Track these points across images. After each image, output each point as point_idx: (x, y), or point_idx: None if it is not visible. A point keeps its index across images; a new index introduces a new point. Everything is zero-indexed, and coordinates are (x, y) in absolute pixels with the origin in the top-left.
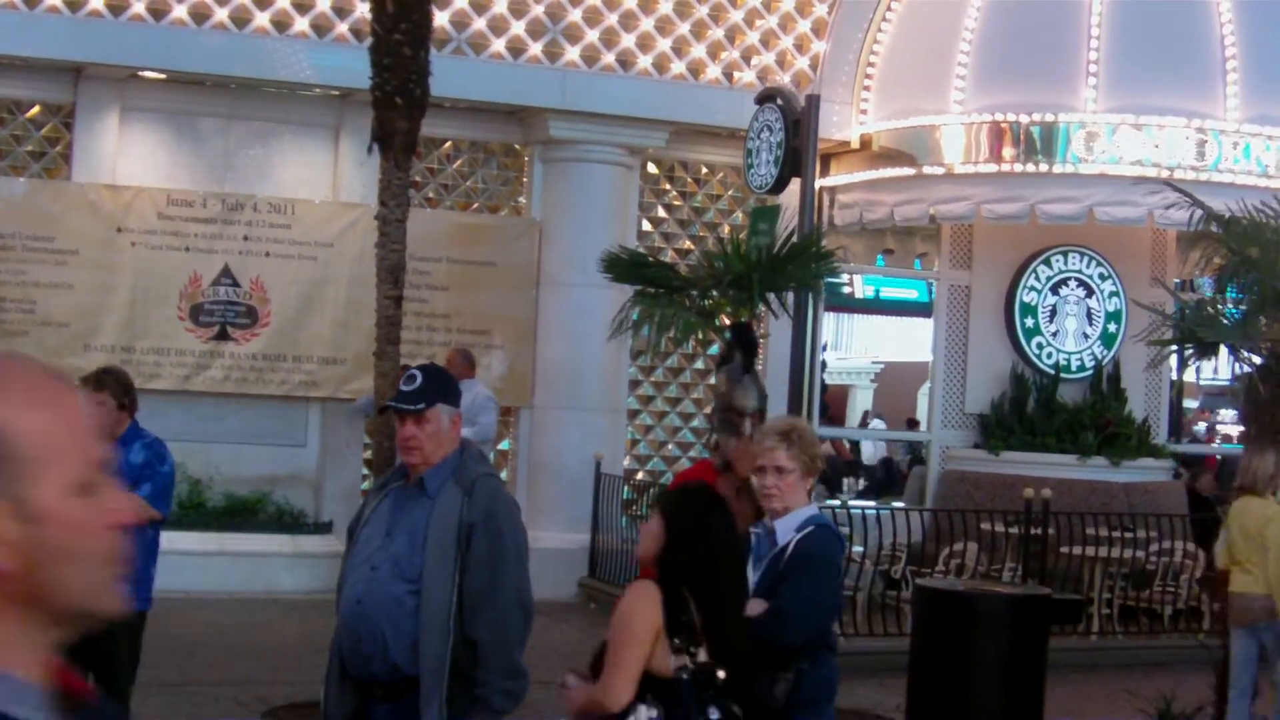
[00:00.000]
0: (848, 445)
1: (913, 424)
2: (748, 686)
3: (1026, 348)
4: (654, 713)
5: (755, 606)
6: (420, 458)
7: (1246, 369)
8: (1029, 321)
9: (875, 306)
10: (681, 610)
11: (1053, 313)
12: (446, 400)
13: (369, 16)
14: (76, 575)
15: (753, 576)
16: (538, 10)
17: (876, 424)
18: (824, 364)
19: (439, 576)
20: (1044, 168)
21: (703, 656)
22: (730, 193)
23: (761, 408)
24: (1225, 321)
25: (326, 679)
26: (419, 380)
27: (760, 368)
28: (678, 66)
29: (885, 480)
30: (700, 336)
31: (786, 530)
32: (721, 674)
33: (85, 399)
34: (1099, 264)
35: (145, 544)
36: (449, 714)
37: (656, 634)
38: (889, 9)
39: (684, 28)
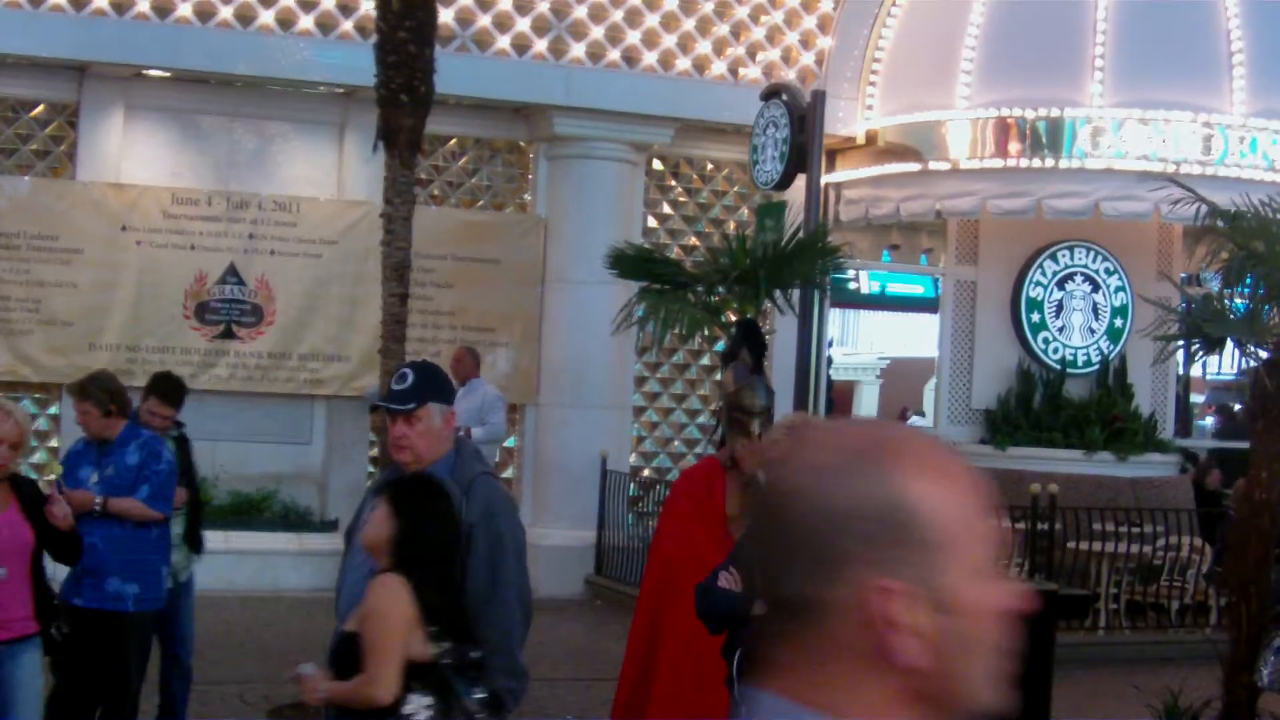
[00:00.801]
0: None
1: (904, 415)
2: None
3: (1033, 343)
4: (427, 700)
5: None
6: (411, 456)
7: (1253, 363)
8: (1035, 317)
9: (881, 302)
10: (427, 597)
11: (1059, 308)
12: (438, 398)
13: (374, 14)
14: (975, 667)
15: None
16: (542, 7)
17: (915, 420)
18: (830, 360)
19: None
20: (1050, 163)
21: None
22: (736, 189)
23: (769, 406)
24: (1232, 316)
25: None
26: (410, 379)
27: (766, 364)
28: (683, 63)
29: None
30: (706, 333)
31: None
32: (476, 654)
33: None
34: (1105, 259)
35: (152, 543)
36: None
37: (411, 623)
38: (894, 4)
39: (689, 24)
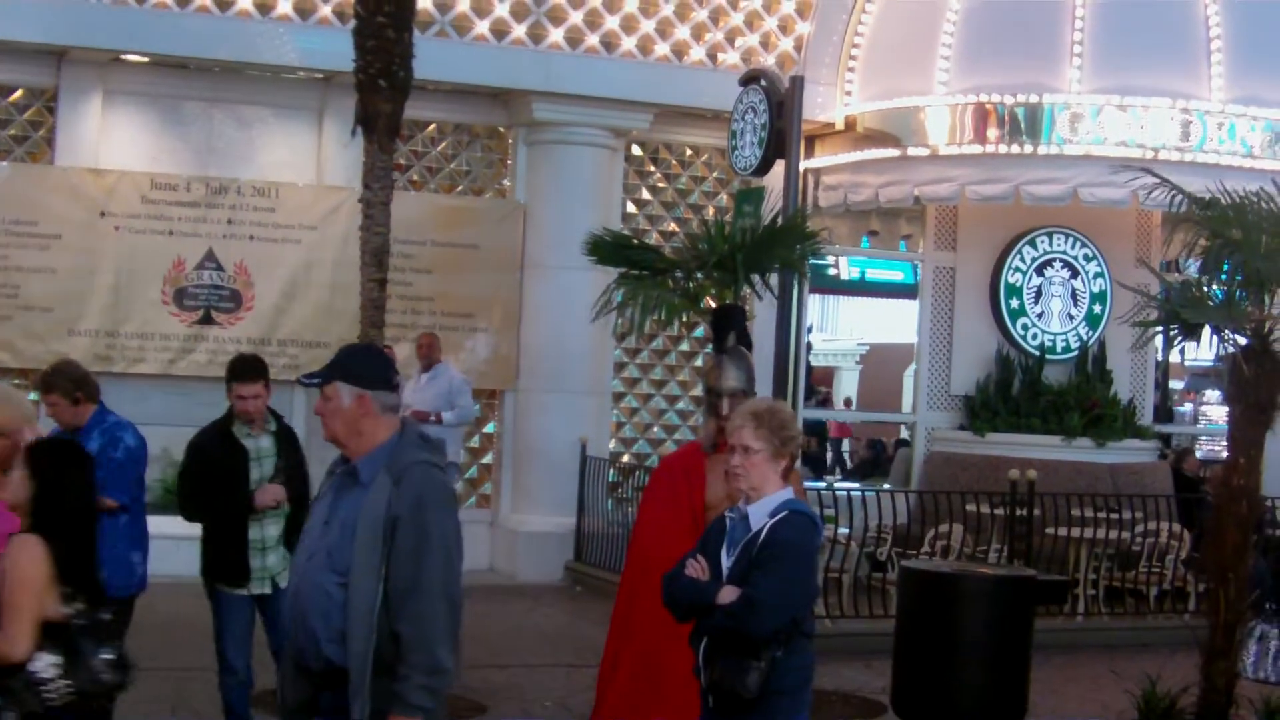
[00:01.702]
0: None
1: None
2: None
3: (1012, 329)
4: (55, 658)
5: (728, 594)
6: (329, 434)
7: (1231, 349)
8: (1014, 303)
9: (861, 288)
10: (62, 558)
11: (1038, 294)
12: (350, 379)
13: None
14: None
15: (726, 561)
16: None
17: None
18: (810, 346)
19: (365, 570)
20: (1028, 149)
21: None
22: (715, 175)
23: (746, 389)
24: (1210, 302)
25: (281, 665)
26: (331, 358)
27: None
28: (662, 48)
29: (871, 461)
30: (685, 319)
31: (760, 515)
32: (107, 615)
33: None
34: (1084, 245)
35: (119, 530)
36: (371, 708)
37: (47, 583)
38: None
39: (668, 9)
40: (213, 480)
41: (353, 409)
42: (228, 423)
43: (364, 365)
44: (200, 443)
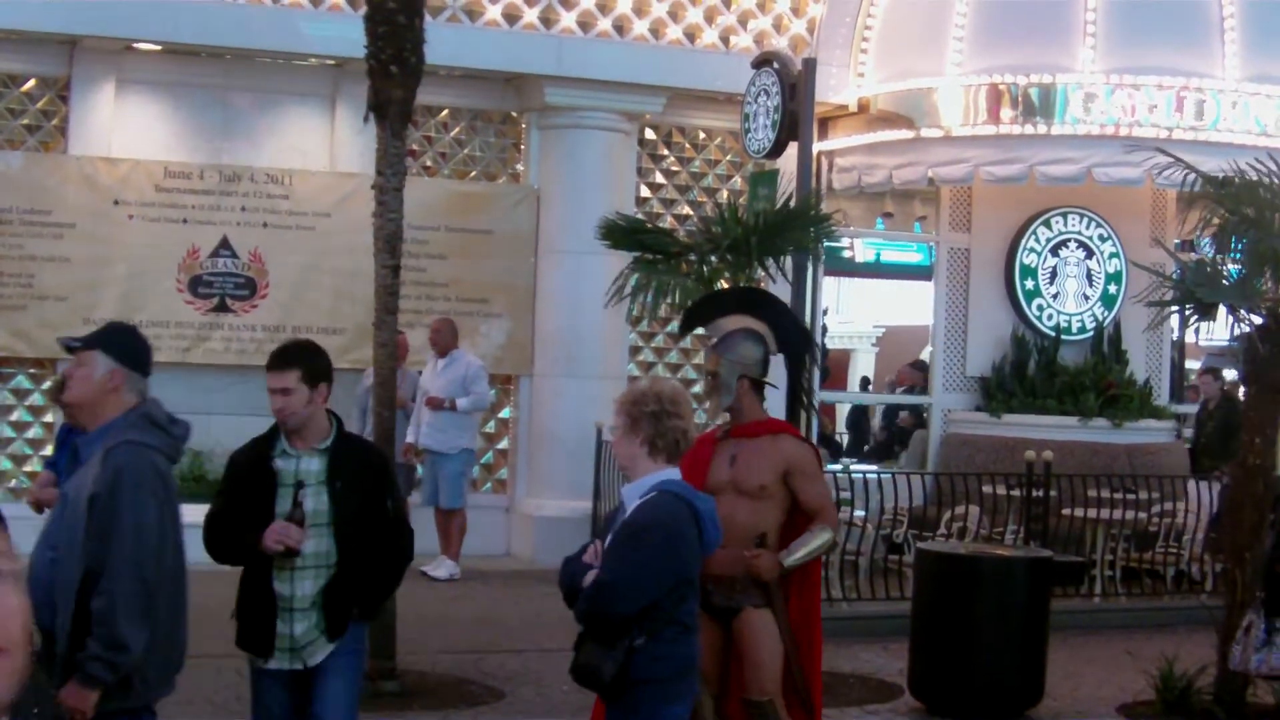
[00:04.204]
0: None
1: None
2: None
3: (1027, 310)
4: None
5: (589, 578)
6: (70, 397)
7: (1246, 329)
8: (1029, 284)
9: (876, 270)
10: None
11: (1053, 274)
12: (110, 350)
13: None
14: None
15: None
16: None
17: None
18: (825, 329)
19: (70, 545)
20: (1042, 129)
21: None
22: (728, 158)
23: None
24: (1225, 282)
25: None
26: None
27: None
28: (674, 31)
29: (887, 443)
30: None
31: (632, 498)
32: None
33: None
34: (1099, 225)
35: None
36: (63, 677)
37: None
38: None
39: None
40: (234, 512)
41: (103, 381)
42: (273, 434)
43: (126, 342)
44: (235, 458)
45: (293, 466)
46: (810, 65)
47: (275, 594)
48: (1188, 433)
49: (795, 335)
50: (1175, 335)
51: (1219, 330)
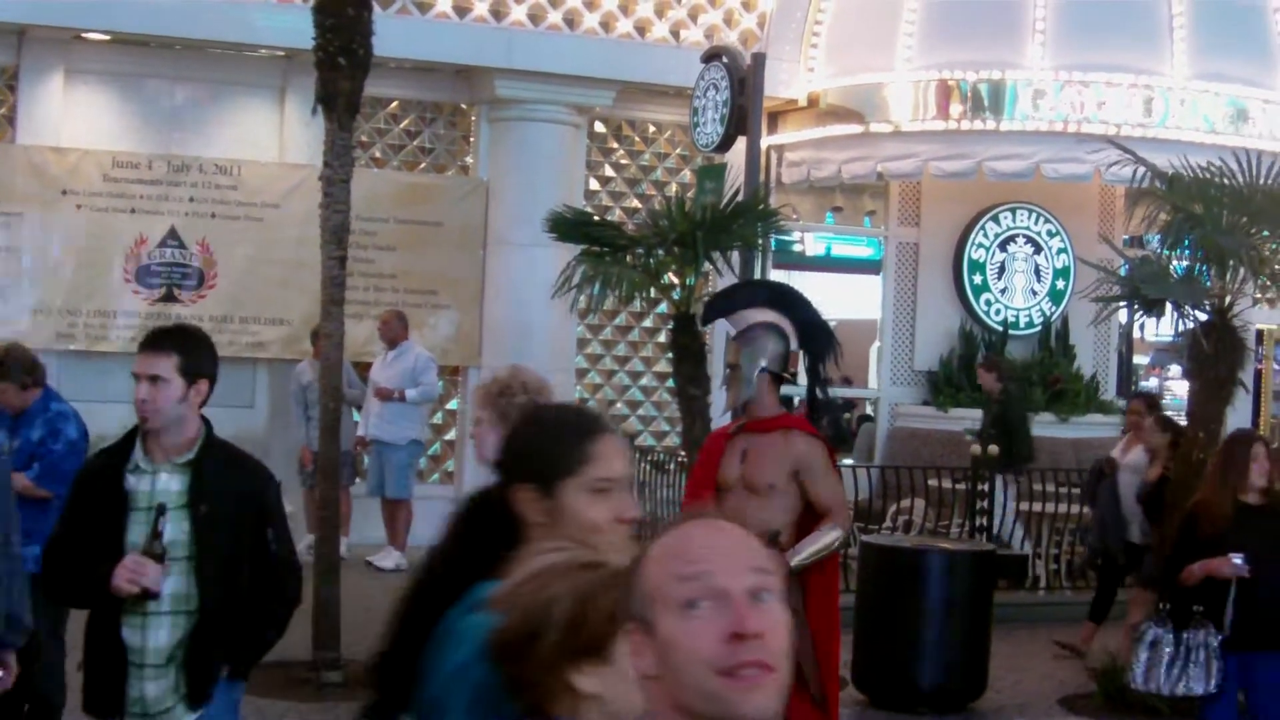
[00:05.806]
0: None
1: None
2: None
3: (975, 305)
4: None
5: None
6: None
7: (1191, 325)
8: (977, 278)
9: (826, 264)
10: None
11: (1001, 270)
12: None
13: None
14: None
15: None
16: None
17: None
18: None
19: None
20: (991, 125)
21: None
22: (678, 151)
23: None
24: (1172, 278)
25: None
26: None
27: (706, 330)
28: (624, 25)
29: (834, 438)
30: (647, 295)
31: None
32: None
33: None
34: (1047, 220)
35: (50, 519)
36: None
37: None
38: None
39: None
40: (77, 541)
41: None
42: (128, 442)
43: None
44: (80, 474)
45: (148, 486)
46: (759, 59)
47: (125, 645)
48: None
49: (819, 334)
50: (1123, 329)
51: (1165, 326)
